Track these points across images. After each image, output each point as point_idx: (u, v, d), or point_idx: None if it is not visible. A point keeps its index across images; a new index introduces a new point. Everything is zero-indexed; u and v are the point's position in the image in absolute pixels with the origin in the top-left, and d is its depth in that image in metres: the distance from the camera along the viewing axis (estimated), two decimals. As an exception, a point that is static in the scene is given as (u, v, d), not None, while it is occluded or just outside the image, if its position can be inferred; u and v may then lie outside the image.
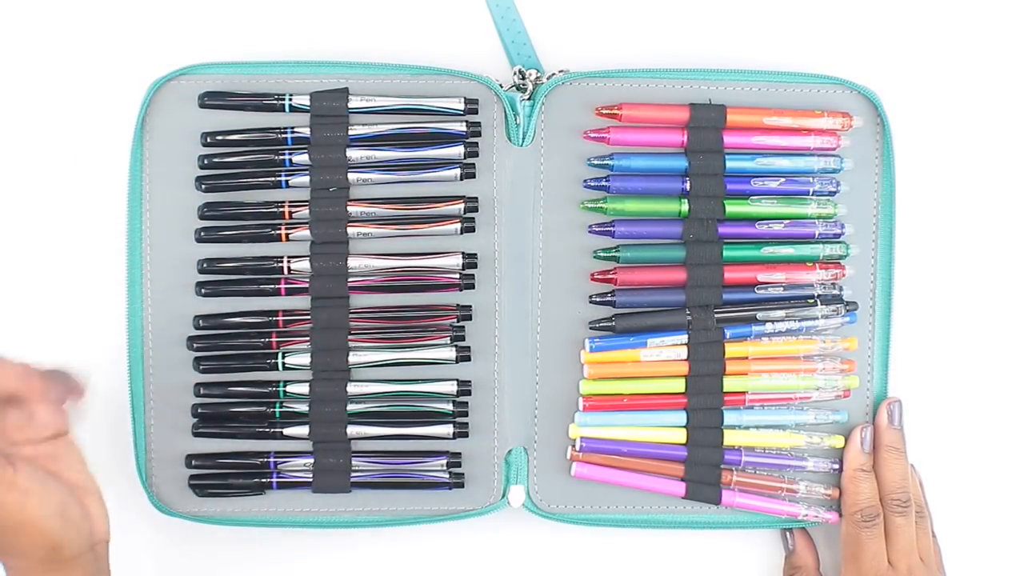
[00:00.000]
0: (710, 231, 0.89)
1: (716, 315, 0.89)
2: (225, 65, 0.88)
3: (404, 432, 0.89)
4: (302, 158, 0.88)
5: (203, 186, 0.88)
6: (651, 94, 0.89)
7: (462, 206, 0.88)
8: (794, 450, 0.91)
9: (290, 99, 0.88)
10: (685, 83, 0.89)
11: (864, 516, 0.89)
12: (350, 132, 0.88)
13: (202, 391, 0.89)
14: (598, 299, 0.90)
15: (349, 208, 0.88)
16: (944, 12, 0.94)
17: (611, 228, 0.89)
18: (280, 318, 0.89)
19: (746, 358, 0.90)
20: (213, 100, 0.87)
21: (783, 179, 0.89)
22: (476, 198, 0.88)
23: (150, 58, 0.90)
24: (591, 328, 0.90)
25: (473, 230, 0.89)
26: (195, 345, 0.89)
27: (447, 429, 0.89)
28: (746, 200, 0.89)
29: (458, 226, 0.88)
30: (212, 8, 0.91)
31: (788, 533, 0.93)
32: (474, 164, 0.89)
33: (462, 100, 0.88)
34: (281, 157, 0.88)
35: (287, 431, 0.89)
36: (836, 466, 0.91)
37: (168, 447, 0.89)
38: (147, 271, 0.88)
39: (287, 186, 0.88)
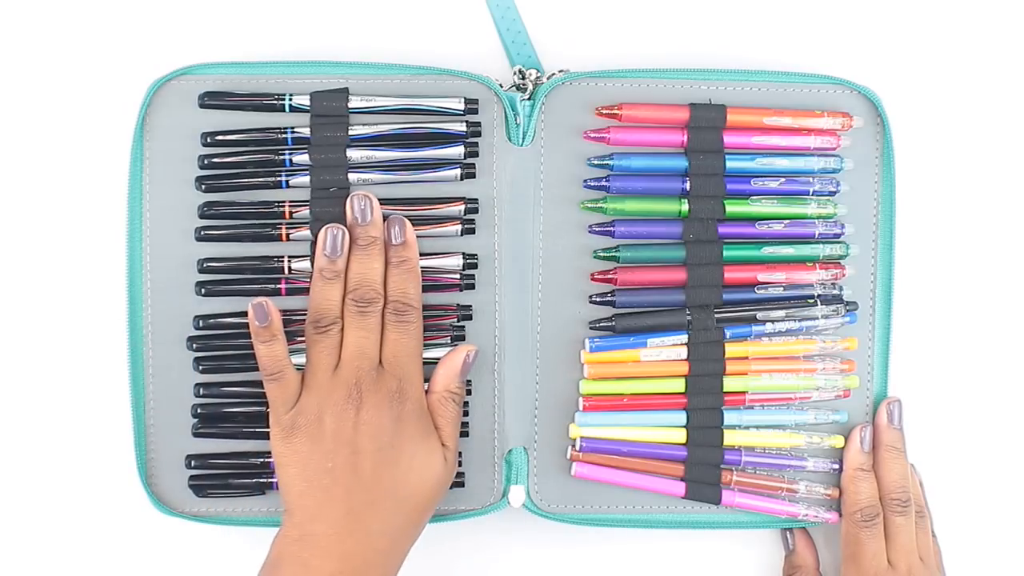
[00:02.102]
0: (710, 231, 0.89)
1: (716, 315, 0.89)
2: (225, 65, 0.88)
3: (404, 432, 0.89)
4: (302, 158, 0.88)
5: (203, 186, 0.88)
6: (651, 94, 0.89)
7: (462, 208, 0.88)
8: (794, 450, 0.91)
9: (290, 99, 0.87)
10: (685, 83, 0.89)
11: (864, 516, 0.89)
12: (350, 132, 0.88)
13: (202, 391, 0.89)
14: (598, 299, 0.90)
15: (349, 208, 0.88)
16: (944, 12, 0.94)
17: (611, 228, 0.89)
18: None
19: (746, 358, 0.90)
20: (213, 100, 0.87)
21: (783, 179, 0.89)
22: (476, 200, 0.88)
23: (150, 58, 0.90)
24: (591, 328, 0.90)
25: (473, 232, 0.89)
26: (195, 345, 0.88)
27: (447, 429, 0.89)
28: (746, 200, 0.89)
29: (458, 228, 0.88)
30: (212, 8, 0.91)
31: (788, 533, 0.93)
32: (474, 164, 0.89)
33: (462, 100, 0.88)
34: (281, 157, 0.88)
35: (287, 431, 0.89)
36: (836, 466, 0.91)
37: (168, 447, 0.89)
38: (147, 271, 0.88)
39: (287, 186, 0.88)
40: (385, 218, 0.87)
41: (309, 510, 0.81)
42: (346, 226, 0.86)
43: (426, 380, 0.87)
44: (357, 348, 0.84)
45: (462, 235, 0.88)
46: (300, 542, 0.80)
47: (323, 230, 0.85)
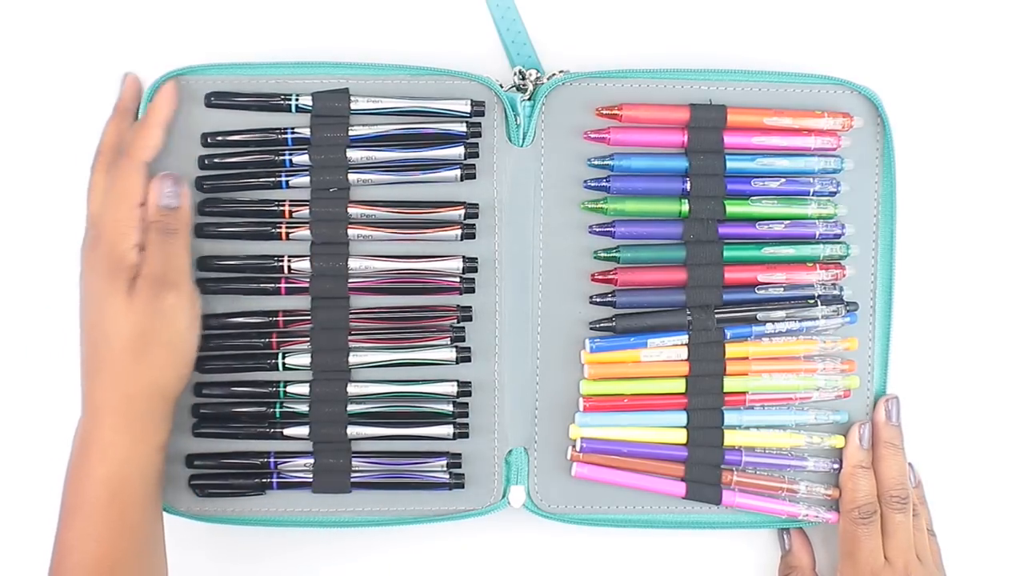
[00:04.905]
0: (710, 231, 0.89)
1: (716, 315, 0.89)
2: (226, 66, 0.88)
3: (404, 433, 0.89)
4: (302, 158, 0.88)
5: (203, 186, 0.88)
6: (651, 94, 0.89)
7: (463, 212, 0.88)
8: (794, 450, 0.91)
9: (296, 99, 0.87)
10: (685, 83, 0.89)
11: (862, 513, 0.89)
12: (350, 132, 0.87)
13: (203, 391, 0.89)
14: (598, 299, 0.90)
15: (349, 210, 0.88)
16: (944, 12, 0.94)
17: (611, 228, 0.89)
18: (280, 318, 0.88)
19: (746, 358, 0.90)
20: (220, 100, 0.87)
21: (783, 179, 0.89)
22: (477, 204, 0.88)
23: (150, 58, 0.89)
24: (591, 328, 0.90)
25: (473, 236, 0.89)
26: (195, 345, 0.89)
27: (447, 430, 0.89)
28: (746, 200, 0.89)
29: (459, 232, 0.88)
30: (212, 8, 0.91)
31: (784, 533, 0.94)
32: (474, 165, 0.89)
33: (468, 102, 0.88)
34: (281, 157, 0.88)
35: (287, 431, 0.89)
36: (836, 466, 0.91)
37: (168, 447, 0.89)
38: (147, 272, 0.88)
39: (287, 186, 0.88)
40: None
41: None
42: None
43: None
44: None
45: (462, 240, 0.88)
46: None
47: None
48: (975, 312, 0.95)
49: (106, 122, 0.88)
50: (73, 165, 0.91)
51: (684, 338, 0.89)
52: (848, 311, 0.90)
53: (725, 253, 0.89)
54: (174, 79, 0.87)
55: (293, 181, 0.88)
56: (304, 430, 0.89)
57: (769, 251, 0.89)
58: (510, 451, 0.90)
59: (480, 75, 0.88)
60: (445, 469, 0.89)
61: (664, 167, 0.89)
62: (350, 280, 0.88)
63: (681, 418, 0.90)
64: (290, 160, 0.88)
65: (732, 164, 0.89)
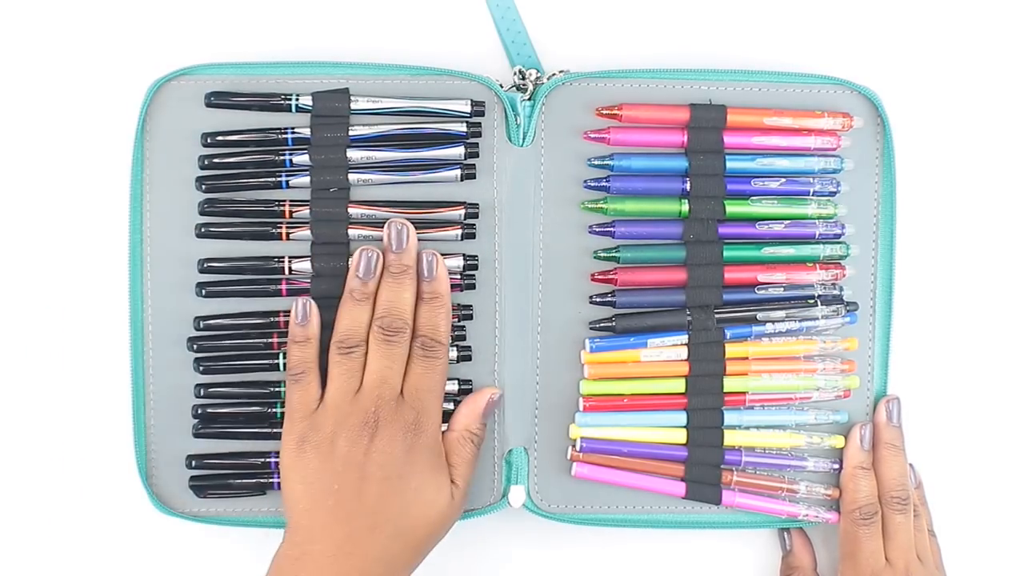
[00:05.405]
0: (710, 231, 0.89)
1: (716, 315, 0.89)
2: (226, 66, 0.88)
3: (404, 432, 0.89)
4: (303, 158, 0.88)
5: (203, 186, 0.88)
6: (651, 94, 0.89)
7: (463, 212, 0.88)
8: (794, 450, 0.91)
9: (296, 99, 0.87)
10: (685, 83, 0.89)
11: (863, 514, 0.89)
12: (350, 132, 0.87)
13: (203, 392, 0.89)
14: (598, 299, 0.90)
15: (350, 210, 0.88)
16: (944, 12, 0.94)
17: (611, 228, 0.89)
18: (281, 319, 0.88)
19: (746, 358, 0.90)
20: (220, 100, 0.87)
21: (783, 179, 0.89)
22: (477, 204, 0.88)
23: (150, 58, 0.90)
24: (591, 328, 0.90)
25: (473, 236, 0.89)
26: (195, 346, 0.88)
27: (447, 429, 0.89)
28: (746, 200, 0.89)
29: (459, 232, 0.88)
30: (212, 8, 0.91)
31: (785, 533, 0.94)
32: (474, 165, 0.89)
33: (469, 102, 0.88)
34: (281, 157, 0.88)
35: (287, 431, 0.89)
36: (836, 466, 0.91)
37: (168, 447, 0.89)
38: (148, 272, 0.88)
39: (287, 187, 0.88)
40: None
41: (311, 530, 0.81)
42: (381, 250, 0.86)
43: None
44: (379, 376, 0.84)
45: (462, 240, 0.88)
46: (298, 561, 0.80)
47: (358, 251, 0.85)
48: (975, 312, 0.95)
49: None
50: (73, 165, 0.91)
51: (684, 338, 0.90)
52: (848, 311, 0.90)
53: (725, 253, 0.89)
54: None
55: (293, 181, 0.88)
56: (304, 430, 0.89)
57: (769, 251, 0.89)
58: (510, 451, 0.90)
59: (480, 75, 0.88)
60: (445, 469, 0.89)
61: (664, 167, 0.89)
62: (350, 280, 0.88)
63: (681, 418, 0.90)
64: (290, 160, 0.88)
65: (732, 164, 0.89)
